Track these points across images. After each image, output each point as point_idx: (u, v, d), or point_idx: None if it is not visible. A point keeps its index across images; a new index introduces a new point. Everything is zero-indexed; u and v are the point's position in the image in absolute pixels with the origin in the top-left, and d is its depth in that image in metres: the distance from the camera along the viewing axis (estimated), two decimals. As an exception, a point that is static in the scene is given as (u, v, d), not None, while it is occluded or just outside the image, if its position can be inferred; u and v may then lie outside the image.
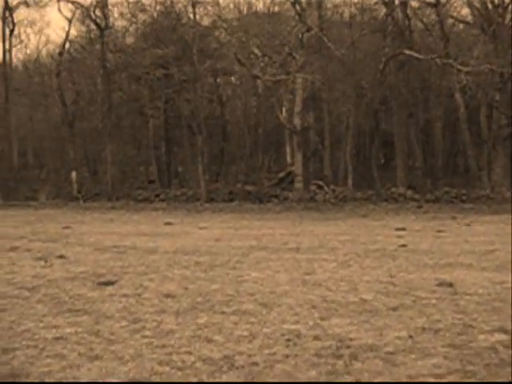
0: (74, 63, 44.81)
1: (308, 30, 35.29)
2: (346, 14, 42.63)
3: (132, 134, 51.27)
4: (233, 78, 51.78)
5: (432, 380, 6.12)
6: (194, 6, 41.10)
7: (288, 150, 42.71)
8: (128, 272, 12.60)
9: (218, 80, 48.23)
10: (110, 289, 10.68)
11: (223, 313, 8.75)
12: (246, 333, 7.63)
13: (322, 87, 37.46)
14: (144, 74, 41.96)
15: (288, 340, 7.32)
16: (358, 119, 39.83)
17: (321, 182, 38.48)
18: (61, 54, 42.15)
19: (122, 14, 42.87)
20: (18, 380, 6.25)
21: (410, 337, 7.49)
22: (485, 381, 6.04)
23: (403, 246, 17.79)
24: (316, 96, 40.70)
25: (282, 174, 40.57)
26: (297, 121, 37.66)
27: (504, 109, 35.16)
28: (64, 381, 6.23)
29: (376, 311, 8.83)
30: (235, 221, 28.71)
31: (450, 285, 10.94)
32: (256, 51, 45.28)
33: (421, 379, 6.15)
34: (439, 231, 22.91)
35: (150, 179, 46.63)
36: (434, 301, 9.55)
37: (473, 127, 40.27)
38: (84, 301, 9.65)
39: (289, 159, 42.36)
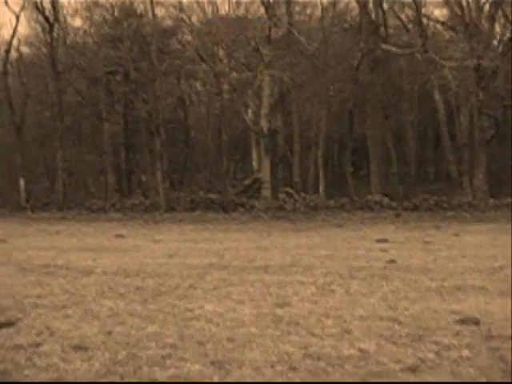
0: (22, 62, 41.41)
1: (276, 25, 32.39)
2: (318, 11, 39.85)
3: (91, 140, 48.12)
4: (197, 85, 49.06)
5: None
6: (152, 3, 37.89)
7: (254, 155, 39.76)
8: (41, 305, 9.46)
9: (180, 83, 45.30)
10: (1, 334, 7.55)
11: (152, 382, 5.67)
12: (181, 430, 4.56)
13: (290, 87, 34.53)
14: (100, 75, 38.86)
15: None
16: (330, 122, 37.02)
17: (290, 190, 35.57)
18: (7, 51, 38.77)
19: (76, 11, 39.72)
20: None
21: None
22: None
23: (392, 261, 14.90)
24: (285, 97, 37.83)
25: (248, 181, 37.58)
26: (264, 123, 34.70)
27: (488, 109, 32.56)
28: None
29: (387, 374, 5.81)
30: (196, 232, 25.61)
31: (476, 322, 7.99)
32: (221, 53, 42.58)
33: None
34: (426, 243, 20.14)
35: (115, 188, 43.46)
36: (465, 352, 6.57)
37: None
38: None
39: (255, 165, 39.40)
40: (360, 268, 13.75)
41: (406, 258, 15.87)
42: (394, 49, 31.52)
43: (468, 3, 35.34)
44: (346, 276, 12.56)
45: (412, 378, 5.68)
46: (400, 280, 11.93)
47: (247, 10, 42.78)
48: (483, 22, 35.46)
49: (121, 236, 23.79)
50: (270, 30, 32.53)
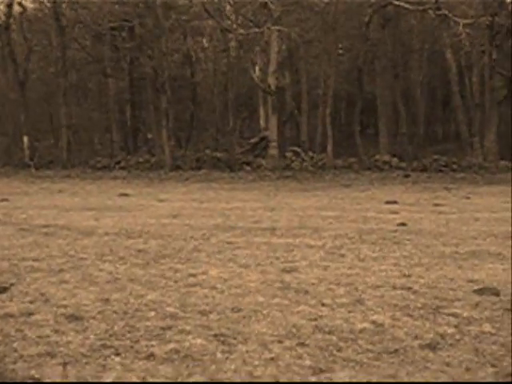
0: (25, 17, 40.55)
1: (285, -22, 31.48)
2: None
3: (97, 97, 47.46)
4: (204, 42, 48.25)
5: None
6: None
7: (262, 113, 39.04)
8: (37, 269, 9.02)
9: (187, 39, 44.45)
10: (-8, 301, 7.12)
11: (150, 357, 5.23)
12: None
13: (299, 44, 33.74)
14: (105, 31, 38.05)
15: None
16: (338, 80, 36.25)
17: (297, 149, 34.95)
18: (10, 5, 37.93)
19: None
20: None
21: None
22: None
23: (402, 224, 14.46)
24: (293, 54, 37.01)
25: (254, 140, 36.93)
26: (271, 81, 33.93)
27: (501, 69, 31.72)
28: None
29: (404, 352, 5.36)
30: (201, 192, 25.16)
31: (495, 292, 7.54)
32: (228, 9, 41.72)
33: None
34: (437, 205, 19.68)
35: (120, 146, 42.90)
36: (487, 326, 6.11)
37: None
38: None
39: (262, 123, 38.70)
40: (370, 231, 13.31)
41: (416, 220, 15.42)
42: (406, 5, 30.60)
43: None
44: (355, 239, 12.12)
45: (431, 356, 5.23)
46: (412, 244, 11.49)
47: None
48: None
49: (125, 195, 23.37)
50: (278, -16, 31.61)
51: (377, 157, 34.05)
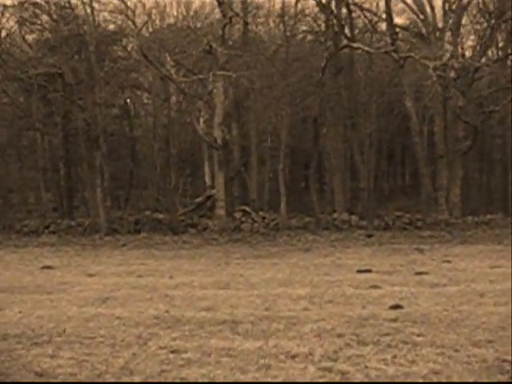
0: None
1: (231, 20, 28.53)
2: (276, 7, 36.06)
3: (31, 154, 43.84)
4: (144, 97, 45.33)
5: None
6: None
7: (207, 169, 35.84)
8: None
9: (125, 92, 41.39)
10: None
11: None
12: None
13: (250, 90, 30.78)
14: (33, 80, 34.55)
15: None
16: (292, 132, 33.43)
17: (247, 208, 31.76)
18: None
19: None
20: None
21: None
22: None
23: (398, 307, 11.32)
24: (240, 104, 34.03)
25: (199, 199, 33.58)
26: (217, 133, 30.82)
27: (467, 117, 29.12)
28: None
29: None
30: (140, 261, 21.46)
31: None
32: (168, 59, 38.78)
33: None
34: (419, 273, 16.60)
35: (53, 207, 39.27)
36: None
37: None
38: None
39: (208, 181, 35.48)
40: (362, 321, 10.08)
41: (410, 299, 12.31)
42: (366, 48, 27.90)
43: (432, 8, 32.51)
44: (349, 338, 8.87)
45: None
46: (430, 345, 8.35)
47: (197, 15, 39.23)
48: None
49: (48, 267, 19.59)
50: (224, 27, 28.70)
51: (335, 215, 31.04)
